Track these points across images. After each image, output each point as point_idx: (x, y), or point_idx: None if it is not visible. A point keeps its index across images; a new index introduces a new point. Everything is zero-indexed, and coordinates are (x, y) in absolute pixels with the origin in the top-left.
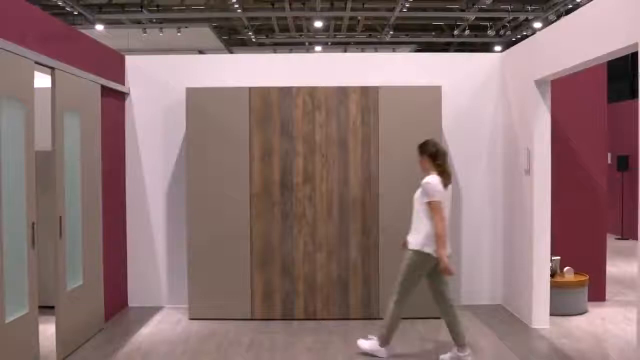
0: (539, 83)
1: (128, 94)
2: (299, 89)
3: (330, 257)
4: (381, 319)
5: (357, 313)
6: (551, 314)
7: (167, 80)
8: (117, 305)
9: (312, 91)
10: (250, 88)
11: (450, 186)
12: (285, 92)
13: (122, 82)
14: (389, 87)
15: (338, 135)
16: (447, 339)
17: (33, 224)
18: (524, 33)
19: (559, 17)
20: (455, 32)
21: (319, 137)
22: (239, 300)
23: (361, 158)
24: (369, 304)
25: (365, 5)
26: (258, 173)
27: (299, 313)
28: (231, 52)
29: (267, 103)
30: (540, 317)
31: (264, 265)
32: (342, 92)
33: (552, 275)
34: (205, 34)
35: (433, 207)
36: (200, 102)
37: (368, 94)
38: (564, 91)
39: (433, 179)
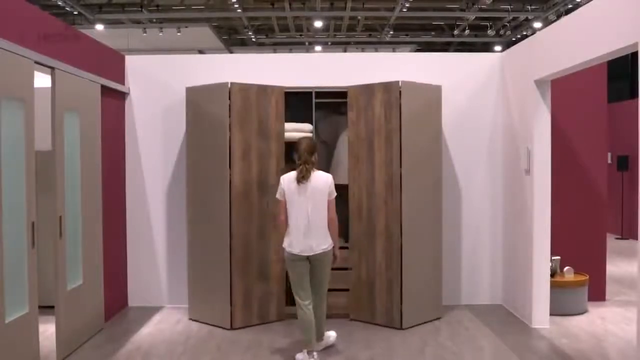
0: (539, 83)
1: (128, 94)
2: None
3: (360, 258)
4: (401, 328)
5: (381, 319)
6: (551, 314)
7: (167, 80)
8: (117, 305)
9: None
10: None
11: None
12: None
13: (122, 82)
14: (409, 82)
15: (367, 135)
16: (444, 340)
17: (33, 224)
18: (524, 33)
19: (559, 17)
20: (455, 32)
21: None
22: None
23: (385, 157)
24: (391, 309)
25: (365, 5)
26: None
27: (274, 315)
28: (231, 52)
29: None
30: (540, 317)
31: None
32: (369, 90)
33: (552, 275)
34: (205, 33)
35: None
36: (199, 101)
37: (390, 90)
38: (564, 91)
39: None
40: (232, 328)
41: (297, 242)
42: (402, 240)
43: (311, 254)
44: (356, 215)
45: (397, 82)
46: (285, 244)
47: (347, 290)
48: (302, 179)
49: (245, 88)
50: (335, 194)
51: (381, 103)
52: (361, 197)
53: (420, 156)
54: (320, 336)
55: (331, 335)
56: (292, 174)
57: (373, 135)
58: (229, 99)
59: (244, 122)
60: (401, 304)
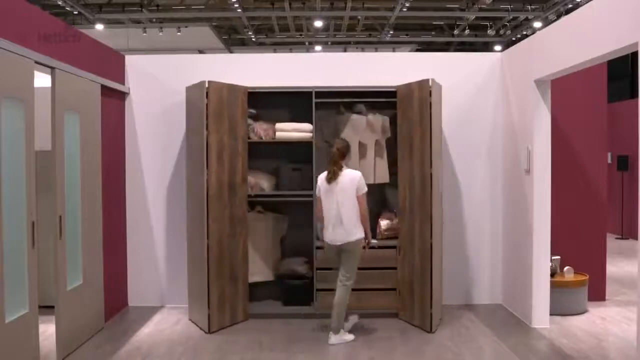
0: (539, 83)
1: (128, 93)
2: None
3: (404, 258)
4: (431, 332)
5: (417, 320)
6: (551, 314)
7: (167, 80)
8: (117, 305)
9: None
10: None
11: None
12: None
13: (122, 82)
14: (435, 82)
15: (407, 134)
16: (444, 340)
17: (33, 224)
18: (524, 33)
19: (559, 16)
20: (455, 32)
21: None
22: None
23: (420, 157)
24: (423, 311)
25: (365, 5)
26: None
27: (241, 315)
28: (231, 52)
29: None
30: (540, 316)
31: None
32: (409, 90)
33: (552, 275)
34: (205, 33)
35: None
36: (192, 100)
37: (423, 90)
38: (564, 91)
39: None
40: (209, 332)
41: (327, 233)
42: (432, 241)
43: (339, 244)
44: (402, 214)
45: (428, 80)
46: (322, 234)
47: (394, 289)
48: (330, 179)
49: (218, 87)
50: (366, 189)
51: (417, 102)
52: (405, 196)
53: (437, 155)
54: (336, 329)
55: (348, 337)
56: (325, 174)
57: (412, 134)
58: (207, 98)
59: (219, 121)
60: (431, 307)
